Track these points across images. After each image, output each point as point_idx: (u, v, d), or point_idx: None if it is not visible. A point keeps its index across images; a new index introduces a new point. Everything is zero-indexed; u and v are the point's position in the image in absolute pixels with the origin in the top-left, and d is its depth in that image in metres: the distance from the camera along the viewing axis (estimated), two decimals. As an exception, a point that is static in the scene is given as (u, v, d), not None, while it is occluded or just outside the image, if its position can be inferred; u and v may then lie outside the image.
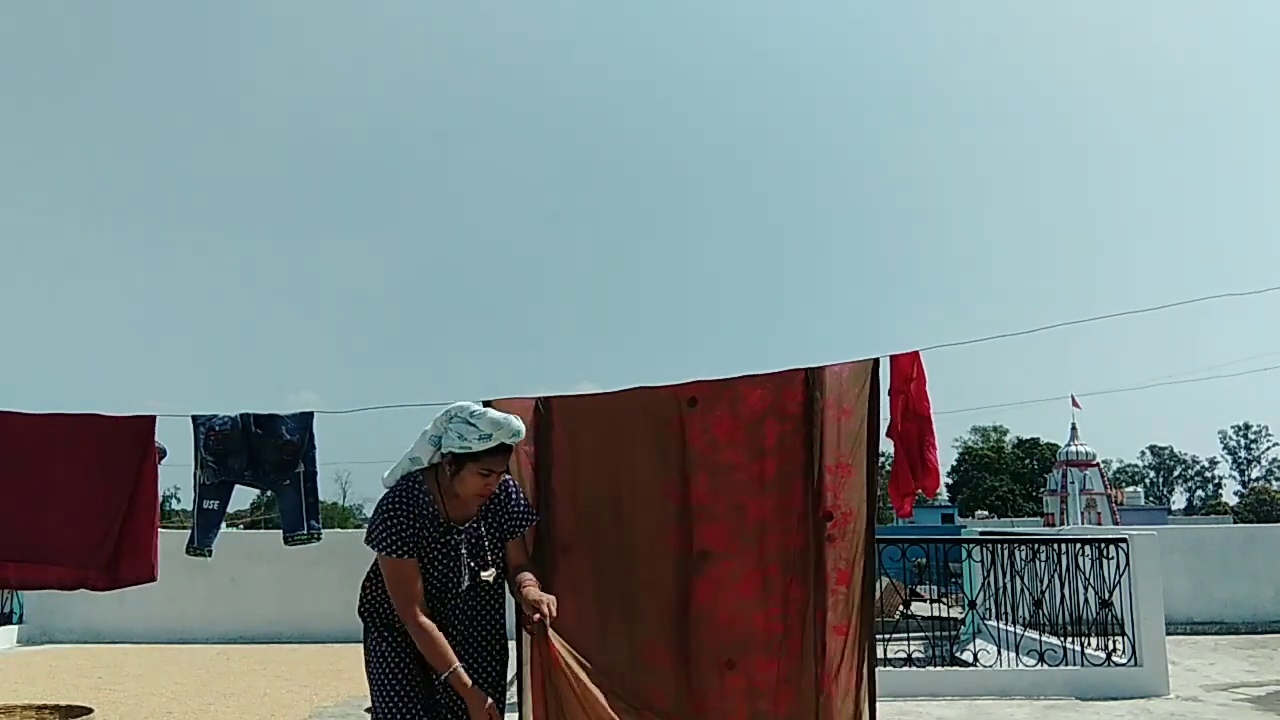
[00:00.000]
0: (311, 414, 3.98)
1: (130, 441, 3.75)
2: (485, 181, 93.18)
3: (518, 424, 2.71)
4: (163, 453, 3.94)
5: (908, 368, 3.28)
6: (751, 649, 3.15)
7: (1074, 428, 22.51)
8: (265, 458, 3.96)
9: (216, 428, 3.90)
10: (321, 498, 4.19)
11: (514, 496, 2.89)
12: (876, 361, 3.19)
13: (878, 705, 3.17)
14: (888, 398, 3.30)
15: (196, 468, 3.93)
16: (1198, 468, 77.92)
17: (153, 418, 3.78)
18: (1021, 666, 7.54)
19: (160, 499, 3.94)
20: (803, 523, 3.15)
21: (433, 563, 2.74)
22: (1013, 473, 60.75)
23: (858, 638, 3.14)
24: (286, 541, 4.06)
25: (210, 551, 3.99)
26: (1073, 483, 21.06)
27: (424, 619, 2.64)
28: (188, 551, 3.98)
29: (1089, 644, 7.90)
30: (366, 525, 2.87)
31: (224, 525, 4.07)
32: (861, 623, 3.15)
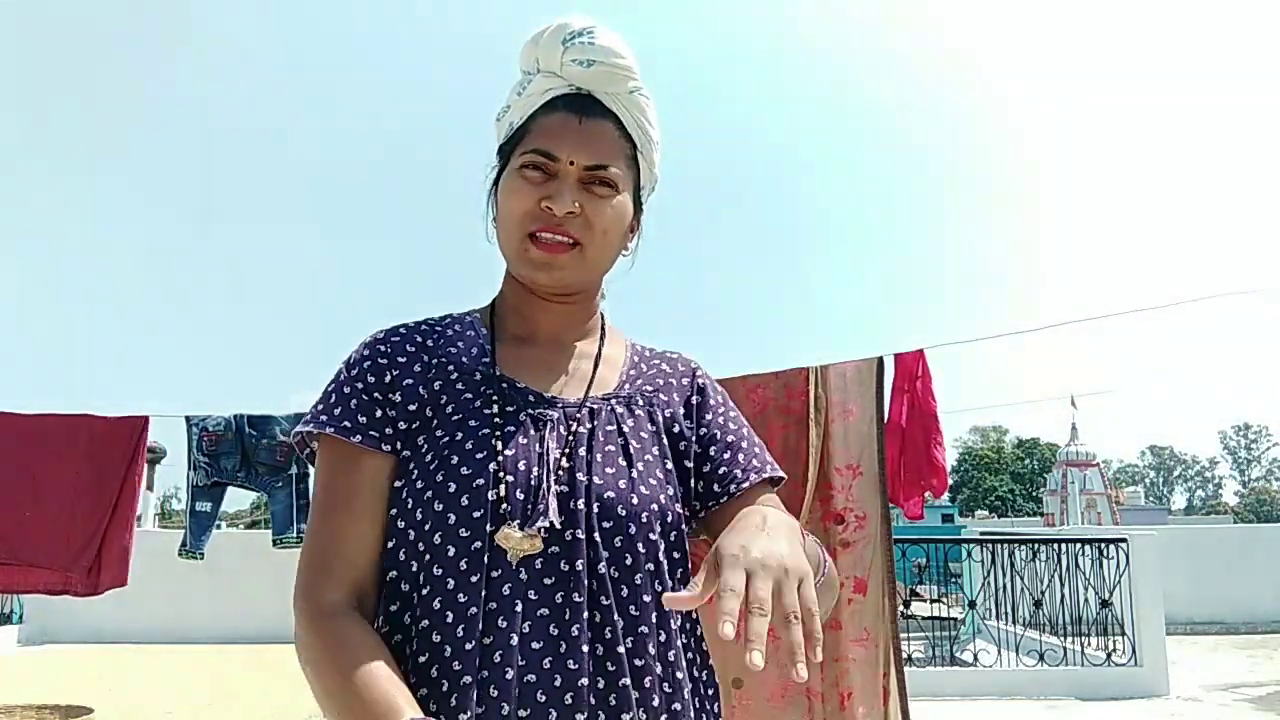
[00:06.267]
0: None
1: (122, 443, 3.72)
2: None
3: (591, 32, 1.10)
4: (162, 453, 3.94)
5: (913, 366, 3.25)
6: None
7: (1074, 428, 22.45)
8: (258, 458, 3.95)
9: (210, 428, 3.90)
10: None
11: (715, 400, 1.20)
12: (881, 360, 3.15)
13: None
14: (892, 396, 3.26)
15: (189, 469, 3.92)
16: (1198, 468, 77.89)
17: (145, 419, 3.76)
18: (1021, 666, 7.54)
19: (160, 500, 3.92)
20: (811, 528, 3.05)
21: (450, 460, 1.01)
22: (1013, 473, 60.69)
23: (885, 649, 2.97)
24: (275, 544, 4.05)
25: (202, 554, 3.98)
26: (1073, 483, 20.97)
27: (339, 623, 1.00)
28: (180, 554, 3.97)
29: (1089, 644, 7.90)
30: None
31: (222, 526, 4.07)
32: (887, 634, 2.98)
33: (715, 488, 1.13)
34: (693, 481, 1.13)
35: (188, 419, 3.91)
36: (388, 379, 1.07)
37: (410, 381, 1.07)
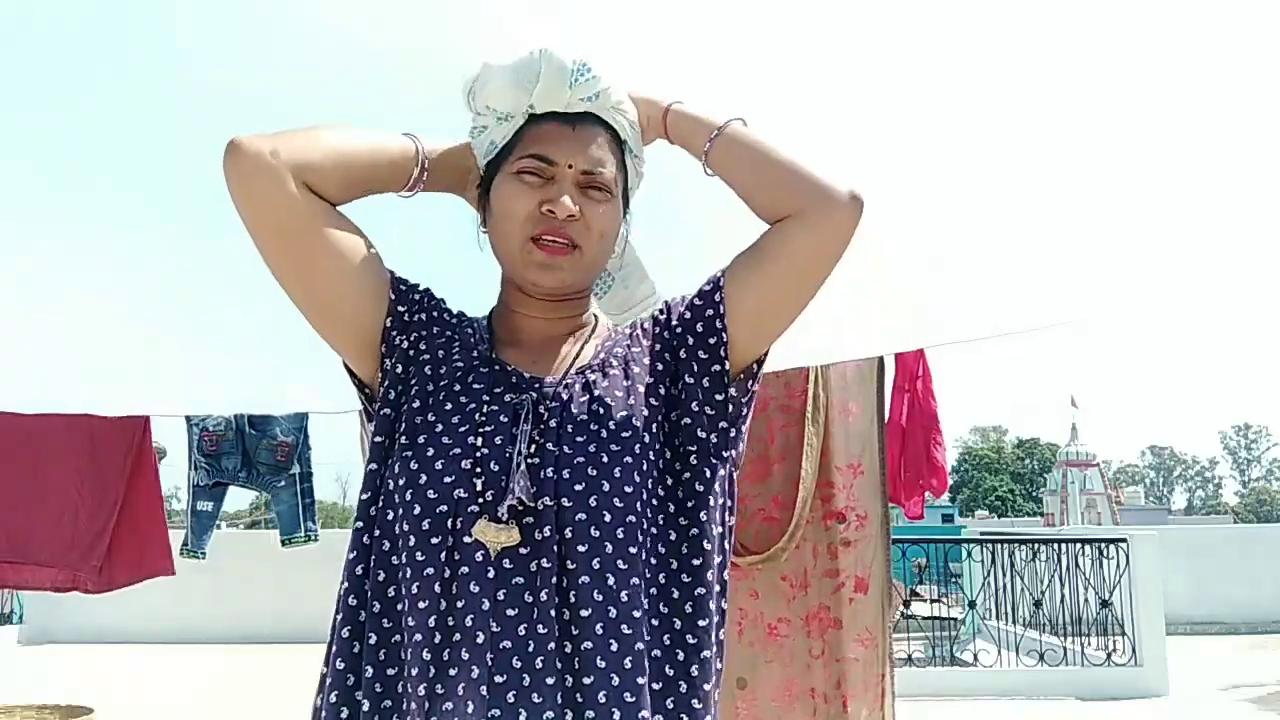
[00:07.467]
0: (306, 414, 3.97)
1: (124, 442, 3.73)
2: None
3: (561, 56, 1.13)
4: (162, 453, 3.93)
5: (913, 365, 3.25)
6: (762, 664, 2.99)
7: (1074, 428, 22.46)
8: (259, 458, 3.95)
9: (210, 428, 3.90)
10: (322, 498, 4.18)
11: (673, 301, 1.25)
12: (882, 359, 3.14)
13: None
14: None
15: (190, 469, 3.93)
16: (1198, 468, 77.92)
17: (146, 418, 3.76)
18: (1021, 666, 7.54)
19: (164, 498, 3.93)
20: (812, 526, 3.03)
21: (437, 431, 1.06)
22: (1013, 473, 60.75)
23: (882, 648, 2.97)
24: (283, 544, 4.07)
25: (204, 554, 3.99)
26: (1073, 483, 20.98)
27: None
28: (181, 553, 3.98)
29: (1089, 644, 7.91)
30: None
31: (223, 525, 4.08)
32: (883, 632, 2.99)
33: (715, 303, 1.14)
34: (699, 343, 1.14)
35: (188, 419, 3.91)
36: (425, 308, 1.17)
37: (434, 330, 1.16)
